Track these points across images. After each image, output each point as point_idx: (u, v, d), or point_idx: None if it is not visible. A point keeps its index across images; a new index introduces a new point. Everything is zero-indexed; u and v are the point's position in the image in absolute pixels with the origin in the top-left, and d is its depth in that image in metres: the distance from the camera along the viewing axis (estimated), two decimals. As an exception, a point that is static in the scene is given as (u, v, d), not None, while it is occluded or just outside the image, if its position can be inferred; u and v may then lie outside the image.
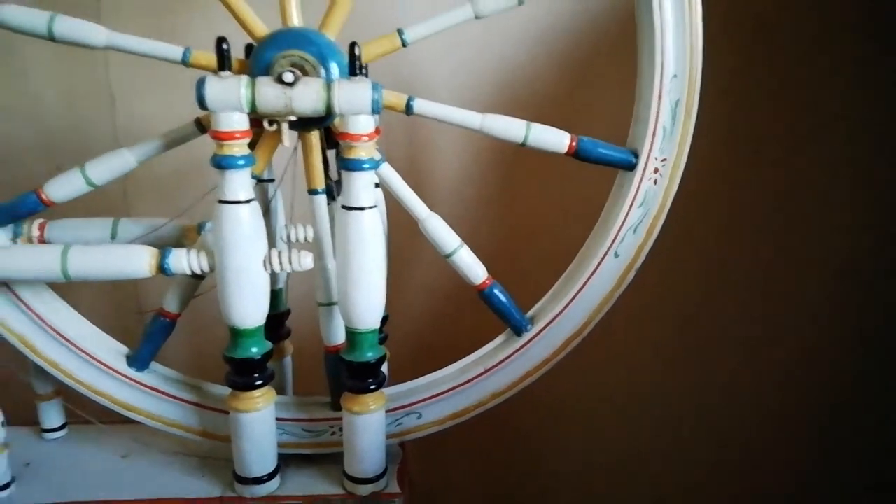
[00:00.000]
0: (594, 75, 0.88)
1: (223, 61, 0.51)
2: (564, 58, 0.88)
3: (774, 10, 0.88)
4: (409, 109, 0.59)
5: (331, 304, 0.63)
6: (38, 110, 0.93)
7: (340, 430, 0.64)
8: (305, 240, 0.68)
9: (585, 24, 0.87)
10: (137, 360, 0.63)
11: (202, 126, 0.59)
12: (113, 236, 0.65)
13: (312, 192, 0.61)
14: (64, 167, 0.97)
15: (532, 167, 0.89)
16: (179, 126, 0.59)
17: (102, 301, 0.98)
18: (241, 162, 0.52)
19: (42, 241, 0.64)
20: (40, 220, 0.64)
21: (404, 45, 0.58)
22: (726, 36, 0.74)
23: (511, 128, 0.59)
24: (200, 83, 0.51)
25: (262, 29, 0.57)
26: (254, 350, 0.58)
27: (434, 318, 0.94)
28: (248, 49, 0.59)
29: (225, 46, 0.52)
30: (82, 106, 0.94)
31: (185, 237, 0.66)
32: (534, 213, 0.94)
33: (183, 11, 0.89)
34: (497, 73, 0.89)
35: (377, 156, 0.57)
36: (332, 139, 0.62)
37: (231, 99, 0.51)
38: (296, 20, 0.57)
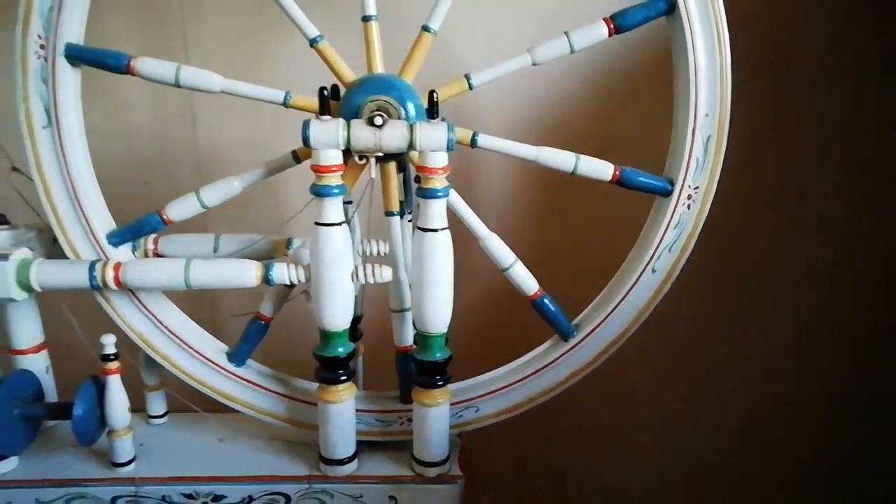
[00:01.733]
0: (632, 108, 0.98)
1: (324, 107, 0.61)
2: (605, 92, 0.98)
3: (798, 53, 0.96)
4: (473, 143, 0.68)
5: (402, 310, 0.73)
6: (129, 132, 1.05)
7: (409, 420, 0.74)
8: (379, 253, 0.78)
9: (624, 63, 0.96)
10: (236, 357, 0.74)
11: (297, 157, 0.69)
12: (215, 249, 0.76)
13: (389, 213, 0.71)
14: (150, 183, 1.09)
15: (572, 189, 0.98)
16: (279, 157, 0.70)
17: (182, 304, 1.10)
18: (336, 191, 0.62)
19: (156, 253, 0.75)
20: (154, 235, 0.75)
21: (471, 88, 0.68)
22: (752, 79, 0.82)
23: (562, 159, 0.69)
24: (306, 125, 0.61)
25: (350, 75, 0.67)
26: (340, 350, 0.67)
27: (492, 322, 1.04)
28: (322, 91, 0.66)
29: (325, 93, 0.62)
30: (168, 128, 1.05)
31: (276, 251, 0.77)
32: (573, 231, 1.04)
33: (258, 42, 1.00)
34: (544, 106, 0.99)
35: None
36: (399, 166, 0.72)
37: (330, 139, 0.61)
38: (379, 68, 0.67)
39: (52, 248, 0.72)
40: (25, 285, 0.64)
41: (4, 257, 0.63)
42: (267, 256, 0.77)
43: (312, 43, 0.66)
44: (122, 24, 0.99)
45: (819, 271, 1.05)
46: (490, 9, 0.95)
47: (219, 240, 0.76)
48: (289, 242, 0.77)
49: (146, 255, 0.74)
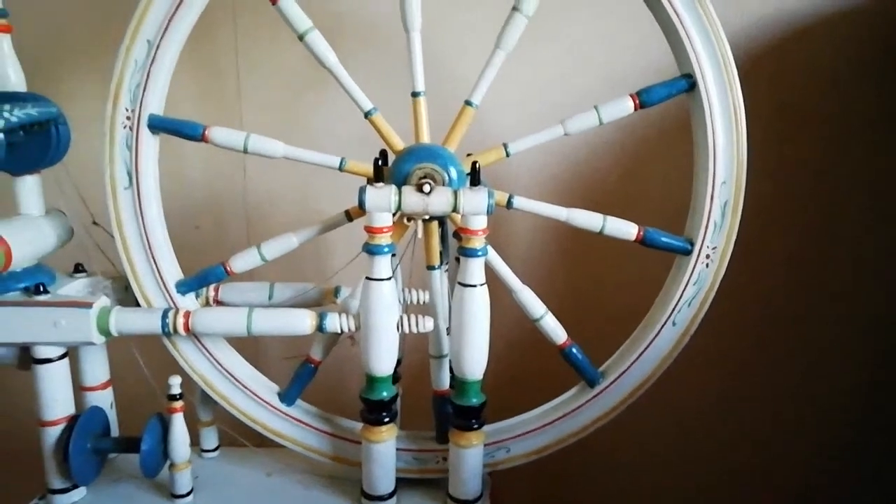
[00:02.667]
0: (654, 170, 1.05)
1: (378, 175, 0.69)
2: (630, 155, 1.06)
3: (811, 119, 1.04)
4: (509, 205, 0.75)
5: (441, 356, 0.79)
6: (183, 178, 1.13)
7: (444, 459, 0.79)
8: (419, 301, 0.84)
9: (647, 129, 1.03)
10: (287, 397, 0.80)
11: (350, 216, 0.76)
12: (270, 297, 0.83)
13: (430, 267, 0.77)
14: (201, 227, 1.17)
15: (599, 243, 1.04)
16: (333, 215, 0.77)
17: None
18: (386, 249, 0.69)
19: (217, 300, 0.82)
20: (214, 284, 0.82)
21: (508, 155, 0.75)
22: (766, 148, 0.88)
23: (591, 220, 0.75)
24: (362, 191, 0.68)
25: (399, 144, 0.75)
26: (384, 394, 0.73)
27: (523, 366, 1.09)
28: (377, 162, 0.73)
29: (380, 164, 0.69)
30: (219, 176, 1.13)
31: (325, 299, 0.83)
32: (600, 281, 1.10)
33: (306, 102, 1.08)
34: (573, 166, 1.07)
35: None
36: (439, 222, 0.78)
37: (383, 204, 0.68)
38: (426, 137, 0.74)
39: (124, 295, 0.80)
40: (104, 331, 0.71)
41: (88, 306, 0.70)
42: (316, 304, 0.84)
43: (367, 115, 0.74)
44: (182, 84, 1.09)
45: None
46: (525, 83, 1.03)
47: (273, 288, 0.83)
48: (337, 291, 0.84)
49: (208, 302, 0.82)
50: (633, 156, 1.06)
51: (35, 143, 0.70)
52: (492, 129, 0.97)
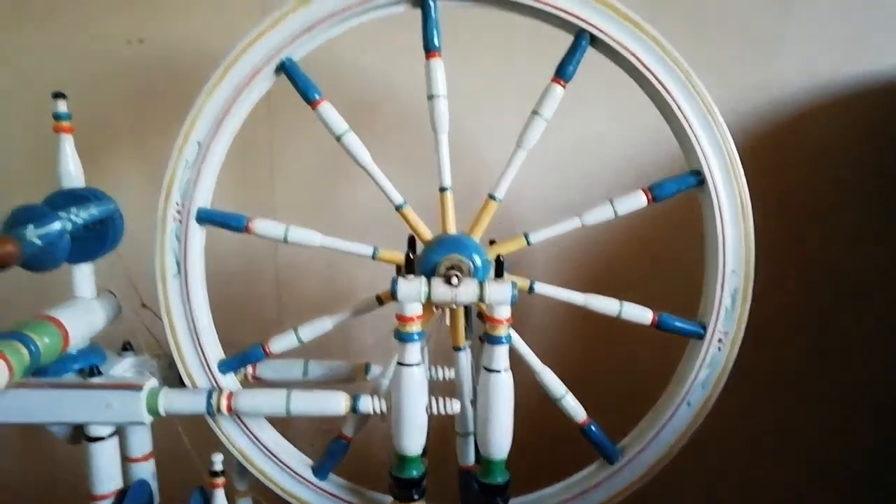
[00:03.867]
0: (665, 255, 1.11)
1: (409, 267, 0.74)
2: (643, 241, 1.11)
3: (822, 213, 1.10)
4: (531, 290, 0.80)
5: (466, 434, 0.83)
6: (217, 248, 1.19)
7: (469, 532, 0.83)
8: (444, 378, 0.88)
9: (659, 218, 1.08)
10: (320, 471, 0.84)
11: (380, 300, 0.81)
12: (304, 374, 0.87)
13: (456, 348, 0.82)
14: (234, 293, 1.21)
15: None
16: (364, 299, 0.82)
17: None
18: (416, 337, 0.74)
19: (255, 377, 0.87)
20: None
21: (528, 244, 0.80)
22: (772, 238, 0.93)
23: (608, 306, 0.79)
24: (394, 282, 0.73)
25: (428, 234, 0.80)
26: (414, 473, 0.77)
27: (545, 441, 1.12)
28: (409, 255, 0.77)
29: (411, 256, 0.74)
30: (251, 251, 1.20)
31: (356, 375, 0.88)
32: (616, 358, 1.14)
33: (334, 175, 1.15)
34: (589, 250, 1.13)
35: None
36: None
37: (414, 294, 0.73)
38: (452, 229, 0.80)
39: (168, 372, 0.85)
40: (154, 411, 0.76)
41: (139, 388, 0.75)
42: (348, 380, 0.89)
43: (398, 208, 0.79)
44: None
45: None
46: (544, 175, 1.10)
47: (308, 365, 0.88)
48: (367, 368, 0.89)
49: (246, 378, 0.87)
50: (646, 239, 1.11)
51: (94, 237, 0.76)
52: (512, 216, 1.03)
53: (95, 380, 0.76)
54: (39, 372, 0.76)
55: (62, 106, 0.80)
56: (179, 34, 1.10)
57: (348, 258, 0.95)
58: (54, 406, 0.75)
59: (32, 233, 0.66)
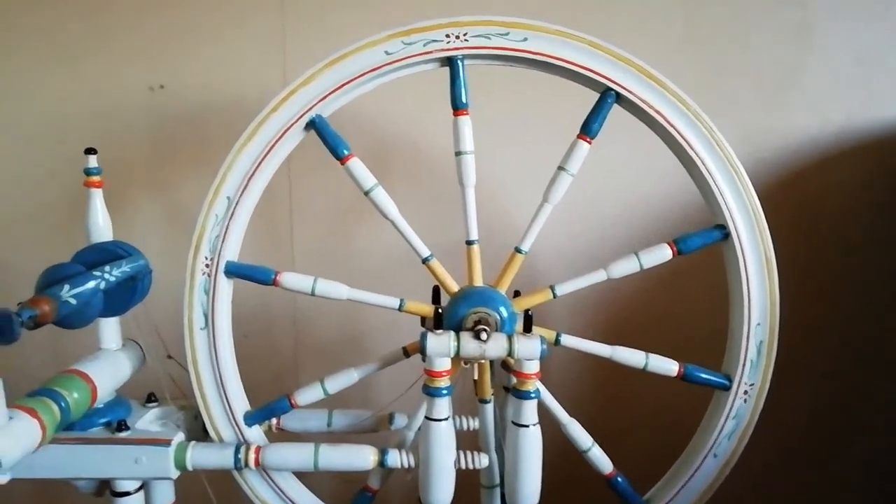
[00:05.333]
0: (681, 302, 1.12)
1: (438, 323, 0.74)
2: (661, 288, 1.12)
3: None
4: (557, 342, 0.80)
5: (493, 486, 0.83)
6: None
7: (496, 585, 0.82)
8: (468, 428, 0.88)
9: (683, 268, 1.07)
10: (345, 523, 0.84)
11: (407, 352, 0.81)
12: (329, 424, 0.87)
13: (482, 401, 0.82)
14: (249, 336, 1.22)
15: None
16: (391, 351, 0.82)
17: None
18: (445, 392, 0.74)
19: (279, 427, 0.87)
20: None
21: (554, 296, 0.80)
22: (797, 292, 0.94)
23: (634, 358, 0.80)
24: (424, 336, 0.73)
25: (454, 286, 0.80)
26: (442, 525, 0.77)
27: (573, 494, 1.11)
28: (438, 311, 0.78)
29: (440, 311, 0.75)
30: (269, 293, 1.20)
31: (381, 426, 0.88)
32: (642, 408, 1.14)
33: (351, 220, 1.16)
34: (602, 297, 1.13)
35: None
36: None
37: (443, 349, 0.73)
38: (479, 281, 0.80)
39: (193, 423, 0.85)
40: (181, 466, 0.76)
41: (167, 443, 0.75)
42: (372, 430, 0.89)
43: (424, 261, 0.80)
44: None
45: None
46: (564, 225, 1.11)
47: (332, 415, 0.88)
48: (391, 418, 0.88)
49: (270, 429, 0.86)
50: (663, 285, 1.12)
51: (125, 293, 0.76)
52: (532, 264, 1.04)
53: (123, 434, 0.76)
54: (67, 426, 0.76)
55: (93, 161, 0.80)
56: (201, 80, 1.12)
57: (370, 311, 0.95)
58: (83, 461, 0.75)
59: (67, 292, 0.67)
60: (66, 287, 0.67)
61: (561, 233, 1.11)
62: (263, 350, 1.23)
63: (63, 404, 0.72)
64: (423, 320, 0.86)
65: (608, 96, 0.76)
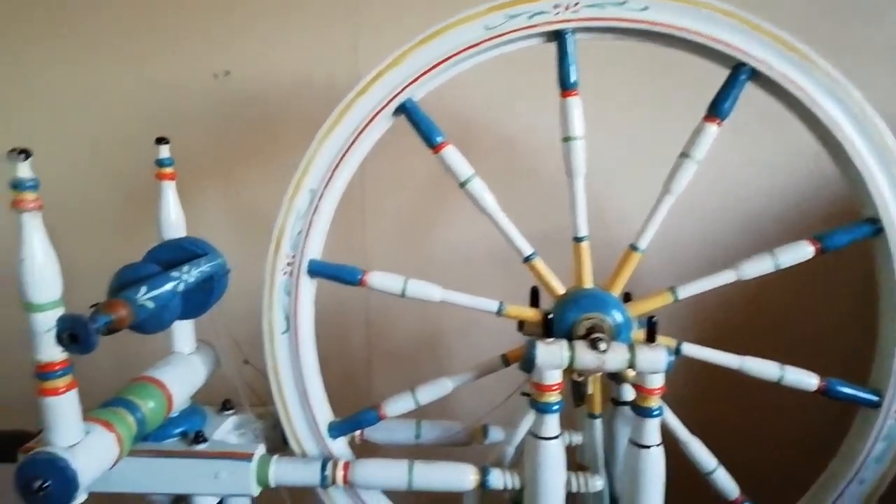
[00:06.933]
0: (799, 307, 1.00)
1: (548, 330, 0.66)
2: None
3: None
4: (677, 352, 0.71)
5: (602, 509, 0.75)
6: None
7: None
8: (570, 443, 0.80)
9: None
10: (437, 546, 0.77)
11: (507, 361, 0.73)
12: (417, 436, 0.80)
13: (591, 416, 0.74)
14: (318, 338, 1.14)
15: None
16: (488, 360, 0.74)
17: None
18: (555, 407, 0.66)
19: (363, 439, 0.80)
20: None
21: (676, 300, 0.71)
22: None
23: (767, 370, 0.70)
24: (532, 345, 0.65)
25: (560, 288, 0.72)
26: (549, 554, 0.69)
27: None
28: (547, 316, 0.69)
29: (550, 317, 0.67)
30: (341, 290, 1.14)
31: (474, 438, 0.81)
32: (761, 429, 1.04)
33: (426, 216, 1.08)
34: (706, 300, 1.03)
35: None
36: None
37: (555, 361, 0.65)
38: (589, 282, 0.72)
39: (272, 433, 0.79)
40: (263, 482, 0.70)
41: (248, 458, 0.69)
42: (464, 444, 0.81)
43: (526, 260, 0.72)
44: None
45: None
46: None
47: (420, 427, 0.81)
48: (485, 431, 0.81)
49: (353, 440, 0.80)
50: (772, 287, 1.01)
51: (201, 293, 0.70)
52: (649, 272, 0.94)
53: (201, 447, 0.71)
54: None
55: (165, 151, 0.75)
56: (266, 65, 1.06)
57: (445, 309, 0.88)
58: (159, 476, 0.69)
59: (144, 295, 0.61)
60: (143, 289, 0.61)
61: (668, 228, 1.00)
62: (334, 353, 1.16)
63: (139, 415, 0.67)
64: (521, 326, 0.78)
65: (741, 72, 0.66)
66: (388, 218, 1.09)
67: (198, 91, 1.06)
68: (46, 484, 0.56)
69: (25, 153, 0.52)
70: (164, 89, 1.06)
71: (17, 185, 0.52)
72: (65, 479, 0.56)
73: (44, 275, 0.54)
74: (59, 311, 0.56)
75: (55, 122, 1.08)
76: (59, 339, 0.55)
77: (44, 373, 0.56)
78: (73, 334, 0.54)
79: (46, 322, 0.55)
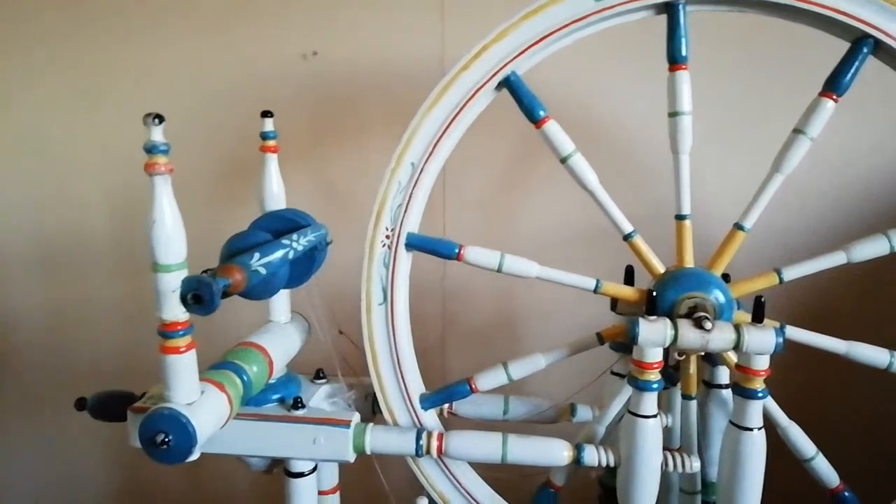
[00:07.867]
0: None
1: (651, 308, 0.65)
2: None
3: None
4: (779, 335, 0.69)
5: (694, 492, 0.74)
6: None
7: None
8: (666, 426, 0.79)
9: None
10: (525, 520, 0.77)
11: (601, 339, 0.73)
12: (504, 412, 0.81)
13: (686, 396, 0.73)
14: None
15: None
16: (582, 337, 0.74)
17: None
18: (655, 385, 0.65)
19: (451, 412, 0.81)
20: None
21: (781, 282, 0.70)
22: None
23: (876, 356, 0.68)
24: (634, 323, 0.65)
25: (659, 268, 0.71)
26: (643, 533, 0.69)
27: None
28: (651, 293, 0.68)
29: (653, 294, 0.66)
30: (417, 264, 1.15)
31: (561, 416, 0.81)
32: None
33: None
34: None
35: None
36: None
37: (658, 338, 0.64)
38: (690, 262, 0.71)
39: (363, 403, 0.81)
40: (359, 449, 0.71)
41: (346, 424, 0.70)
42: (552, 421, 0.81)
43: (626, 238, 0.71)
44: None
45: None
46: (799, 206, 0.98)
47: (508, 402, 0.81)
48: (573, 409, 0.81)
49: (442, 413, 0.81)
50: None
51: (305, 262, 0.72)
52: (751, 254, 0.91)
53: (300, 413, 0.73)
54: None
55: (269, 125, 0.76)
56: (355, 46, 1.07)
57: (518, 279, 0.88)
58: (261, 439, 0.71)
59: (258, 261, 0.63)
60: (257, 255, 0.63)
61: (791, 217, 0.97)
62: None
63: (245, 378, 0.69)
64: (614, 305, 0.78)
65: (864, 44, 0.64)
66: (468, 196, 1.10)
67: (287, 71, 1.09)
68: (168, 438, 0.59)
69: (159, 118, 0.54)
70: (255, 69, 1.09)
71: (151, 149, 0.54)
72: (186, 434, 0.59)
73: (172, 236, 0.56)
74: (184, 273, 0.58)
75: (170, 95, 1.12)
76: (184, 300, 0.57)
77: (167, 332, 0.59)
78: (197, 295, 0.56)
79: (172, 283, 0.57)
